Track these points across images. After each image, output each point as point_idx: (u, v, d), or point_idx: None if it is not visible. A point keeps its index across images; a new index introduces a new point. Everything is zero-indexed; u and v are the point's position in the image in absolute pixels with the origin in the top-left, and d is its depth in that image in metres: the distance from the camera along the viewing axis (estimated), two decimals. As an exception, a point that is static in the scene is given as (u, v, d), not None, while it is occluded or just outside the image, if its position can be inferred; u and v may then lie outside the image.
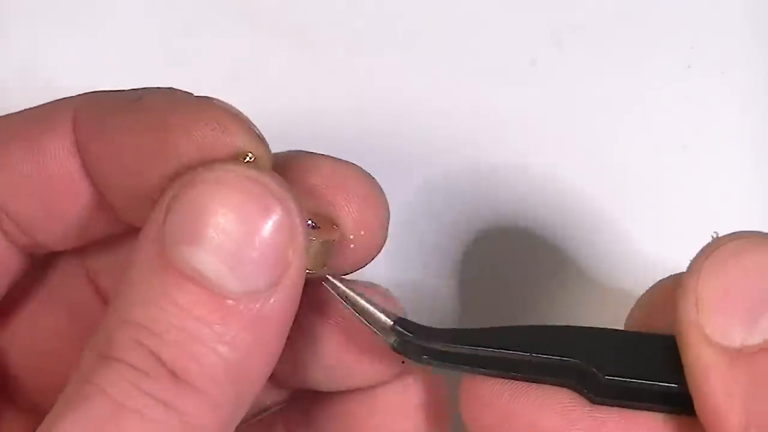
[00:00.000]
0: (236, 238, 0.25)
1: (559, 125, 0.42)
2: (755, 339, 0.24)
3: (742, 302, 0.25)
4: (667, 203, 0.41)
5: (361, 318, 0.28)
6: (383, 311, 0.28)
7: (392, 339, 0.28)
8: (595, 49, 0.42)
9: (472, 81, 0.42)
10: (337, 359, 0.30)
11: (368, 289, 0.29)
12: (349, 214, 0.29)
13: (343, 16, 0.43)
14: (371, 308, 0.28)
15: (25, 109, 0.30)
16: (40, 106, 0.30)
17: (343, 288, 0.29)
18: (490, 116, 0.42)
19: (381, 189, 0.30)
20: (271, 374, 0.28)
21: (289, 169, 0.29)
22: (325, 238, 0.28)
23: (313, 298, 0.30)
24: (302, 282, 0.26)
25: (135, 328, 0.25)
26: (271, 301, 0.25)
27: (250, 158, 0.27)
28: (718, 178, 0.41)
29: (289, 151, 0.30)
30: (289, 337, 0.27)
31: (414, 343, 0.28)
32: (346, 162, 0.29)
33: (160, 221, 0.25)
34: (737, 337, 0.25)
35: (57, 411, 0.25)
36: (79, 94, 0.29)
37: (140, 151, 0.27)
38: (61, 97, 0.30)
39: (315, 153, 0.30)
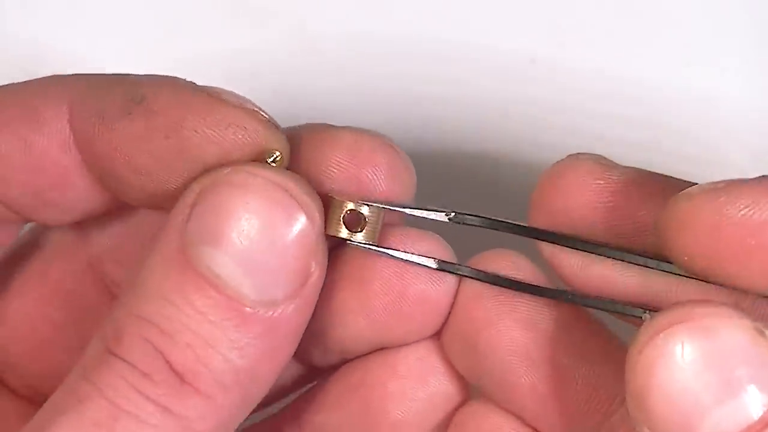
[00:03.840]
0: (259, 245, 0.24)
1: (559, 125, 0.42)
2: None
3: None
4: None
5: (402, 255, 0.29)
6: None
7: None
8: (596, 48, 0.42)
9: (472, 80, 0.42)
10: (382, 302, 0.29)
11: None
12: (377, 186, 0.29)
13: (343, 15, 0.43)
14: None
15: (9, 89, 0.29)
16: (25, 89, 0.29)
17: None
18: (491, 115, 0.42)
19: (406, 157, 0.29)
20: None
21: (309, 143, 0.28)
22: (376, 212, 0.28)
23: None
24: (318, 290, 0.26)
25: (145, 325, 0.24)
26: (289, 310, 0.25)
27: (276, 157, 0.26)
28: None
29: (308, 124, 0.29)
30: (333, 286, 0.27)
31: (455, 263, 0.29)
32: (369, 132, 0.29)
33: (183, 217, 0.25)
34: None
35: (53, 406, 0.24)
36: (70, 82, 0.29)
37: (155, 156, 0.26)
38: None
39: (335, 125, 0.29)
